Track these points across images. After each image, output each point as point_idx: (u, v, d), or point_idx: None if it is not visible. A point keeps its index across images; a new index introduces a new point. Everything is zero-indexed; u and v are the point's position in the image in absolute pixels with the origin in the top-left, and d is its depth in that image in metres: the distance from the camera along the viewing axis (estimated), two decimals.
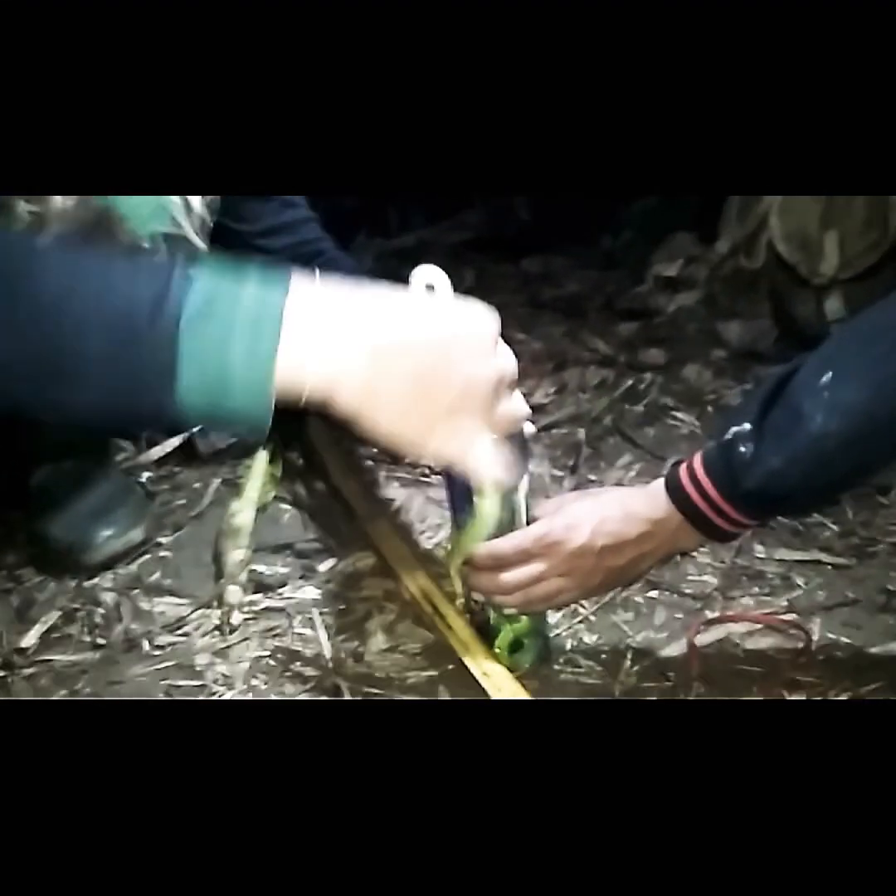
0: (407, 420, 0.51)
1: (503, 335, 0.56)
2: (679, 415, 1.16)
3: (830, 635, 0.78)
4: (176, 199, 0.76)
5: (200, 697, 0.72)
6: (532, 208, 1.72)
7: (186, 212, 0.78)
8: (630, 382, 1.22)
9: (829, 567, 0.86)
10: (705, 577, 0.86)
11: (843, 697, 0.71)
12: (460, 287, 0.61)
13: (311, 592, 0.86)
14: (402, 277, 0.62)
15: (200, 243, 0.81)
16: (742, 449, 0.64)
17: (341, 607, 0.84)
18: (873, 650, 0.77)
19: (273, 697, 0.75)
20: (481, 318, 0.55)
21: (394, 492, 0.99)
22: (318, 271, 0.83)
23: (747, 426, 0.64)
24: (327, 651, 0.78)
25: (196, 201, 0.79)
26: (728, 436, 0.65)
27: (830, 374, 0.61)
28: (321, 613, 0.83)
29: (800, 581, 0.85)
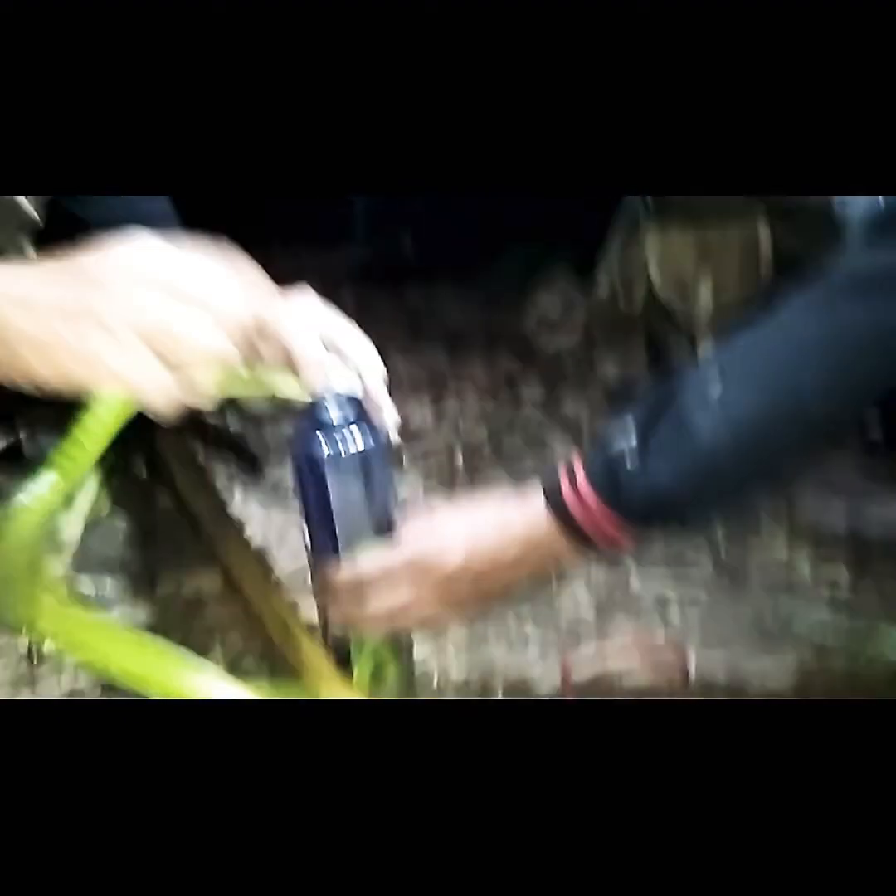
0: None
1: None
2: (558, 448, 1.14)
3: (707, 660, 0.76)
4: None
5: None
6: (415, 239, 1.71)
7: None
8: (509, 415, 1.20)
9: (704, 594, 0.85)
10: (581, 605, 0.83)
11: None
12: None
13: (141, 616, 0.77)
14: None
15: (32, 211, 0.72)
16: (629, 467, 0.60)
17: (178, 636, 0.74)
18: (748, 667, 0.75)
19: None
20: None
21: (252, 510, 0.91)
22: None
23: (633, 443, 0.60)
24: None
25: None
26: (613, 452, 0.61)
27: (720, 387, 0.58)
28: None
29: (675, 605, 0.83)
